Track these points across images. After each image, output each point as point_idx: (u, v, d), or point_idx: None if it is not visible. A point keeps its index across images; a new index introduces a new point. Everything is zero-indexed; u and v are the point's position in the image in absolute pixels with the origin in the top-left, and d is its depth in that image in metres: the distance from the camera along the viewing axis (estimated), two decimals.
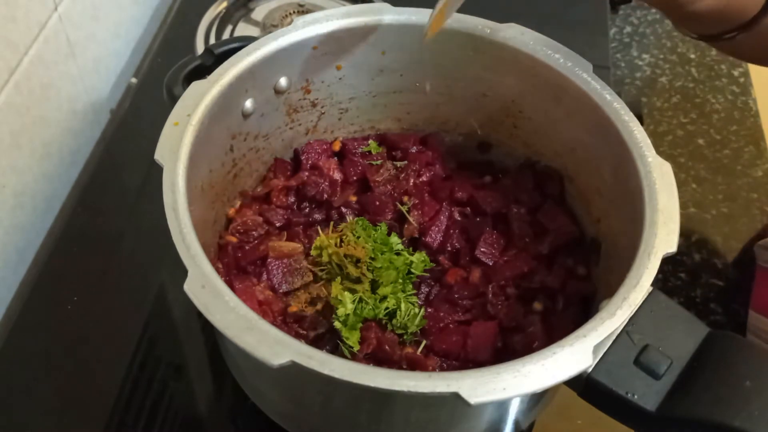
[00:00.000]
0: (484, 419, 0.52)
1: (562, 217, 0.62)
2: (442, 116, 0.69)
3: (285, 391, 0.54)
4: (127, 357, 0.66)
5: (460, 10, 0.60)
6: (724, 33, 0.60)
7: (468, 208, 0.65)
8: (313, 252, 0.59)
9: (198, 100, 0.53)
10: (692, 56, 1.04)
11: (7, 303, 0.73)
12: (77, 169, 0.85)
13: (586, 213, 0.62)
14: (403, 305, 0.56)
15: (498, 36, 0.60)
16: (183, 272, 0.44)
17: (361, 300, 0.55)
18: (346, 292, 0.55)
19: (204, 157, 0.54)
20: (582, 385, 0.45)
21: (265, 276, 0.58)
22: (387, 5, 0.62)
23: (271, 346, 0.41)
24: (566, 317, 0.57)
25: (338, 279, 0.57)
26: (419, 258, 0.59)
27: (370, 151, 0.68)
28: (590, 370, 0.44)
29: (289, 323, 0.56)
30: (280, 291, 0.57)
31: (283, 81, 0.61)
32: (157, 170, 0.49)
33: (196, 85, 0.54)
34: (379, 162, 0.67)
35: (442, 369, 0.55)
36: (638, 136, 0.53)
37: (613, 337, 0.45)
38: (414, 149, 0.68)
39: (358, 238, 0.58)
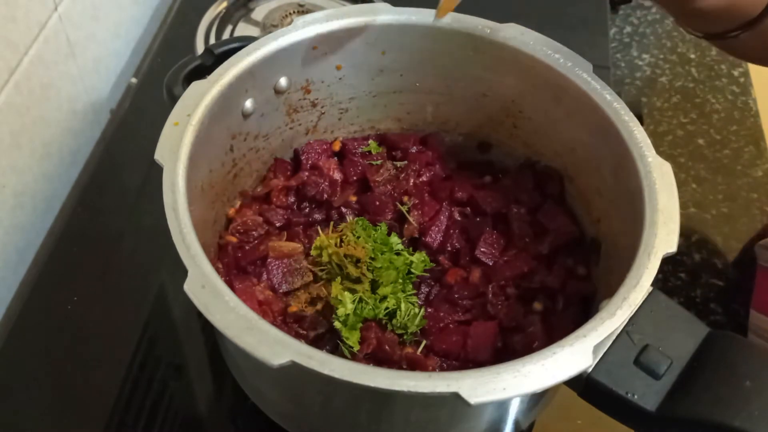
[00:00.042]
0: (484, 419, 0.52)
1: (562, 217, 0.62)
2: (442, 116, 0.69)
3: (285, 391, 0.54)
4: (127, 357, 0.66)
5: (460, 10, 0.60)
6: (728, 31, 0.60)
7: (468, 208, 0.65)
8: (313, 252, 0.59)
9: (198, 100, 0.53)
10: (692, 56, 1.04)
11: (7, 303, 0.73)
12: (77, 169, 0.85)
13: (586, 213, 0.62)
14: (403, 305, 0.56)
15: (498, 36, 0.60)
16: (183, 272, 0.44)
17: (361, 300, 0.55)
18: (346, 292, 0.55)
19: (204, 157, 0.54)
20: (582, 385, 0.45)
21: (265, 276, 0.58)
22: (387, 5, 0.62)
23: (271, 346, 0.41)
24: (566, 317, 0.57)
25: (338, 279, 0.57)
26: (419, 258, 0.59)
27: (370, 151, 0.68)
28: (590, 370, 0.44)
29: (289, 323, 0.56)
30: (280, 291, 0.57)
31: (283, 81, 0.61)
32: (157, 170, 0.49)
33: (196, 85, 0.54)
34: (379, 162, 0.67)
35: (442, 369, 0.55)
36: (638, 136, 0.53)
37: (613, 337, 0.45)
38: (414, 149, 0.68)
39: (358, 238, 0.58)
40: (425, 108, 0.68)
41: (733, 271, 0.80)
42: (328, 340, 0.56)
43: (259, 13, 0.94)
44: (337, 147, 0.68)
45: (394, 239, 0.60)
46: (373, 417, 0.51)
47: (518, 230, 0.62)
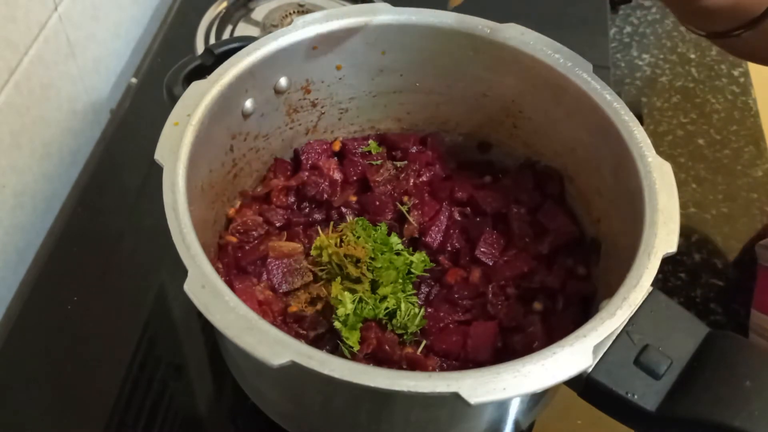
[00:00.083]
0: (484, 419, 0.52)
1: (562, 217, 0.62)
2: (442, 116, 0.69)
3: (285, 391, 0.54)
4: (127, 357, 0.66)
5: (460, 10, 0.60)
6: (731, 30, 0.60)
7: (468, 208, 0.65)
8: (313, 252, 0.59)
9: (198, 100, 0.53)
10: (692, 56, 1.04)
11: (7, 303, 0.73)
12: (77, 169, 0.85)
13: (586, 213, 0.62)
14: (403, 305, 0.56)
15: (498, 36, 0.60)
16: (183, 272, 0.44)
17: (361, 300, 0.55)
18: (346, 292, 0.55)
19: (204, 157, 0.54)
20: (582, 385, 0.45)
21: (265, 276, 0.58)
22: (387, 5, 0.62)
23: (271, 346, 0.41)
24: (566, 317, 0.57)
25: (338, 279, 0.56)
26: (419, 258, 0.59)
27: (370, 151, 0.68)
28: (590, 370, 0.44)
29: (289, 323, 0.56)
30: (280, 291, 0.57)
31: (283, 81, 0.61)
32: (157, 170, 0.49)
33: (196, 85, 0.54)
34: (379, 162, 0.67)
35: (442, 369, 0.55)
36: (638, 136, 0.53)
37: (613, 337, 0.45)
38: (414, 149, 0.68)
39: (358, 238, 0.58)
40: (425, 108, 0.68)
41: (733, 271, 0.80)
42: (328, 340, 0.56)
43: (259, 13, 0.94)
44: (337, 147, 0.68)
45: (394, 239, 0.60)
46: (373, 417, 0.51)
47: (518, 230, 0.62)
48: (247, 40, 0.59)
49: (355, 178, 0.65)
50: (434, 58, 0.63)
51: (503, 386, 0.40)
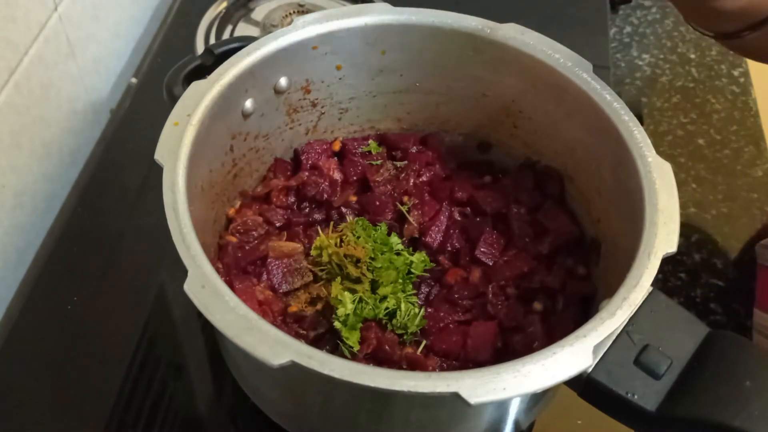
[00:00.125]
0: (484, 419, 0.52)
1: (562, 217, 0.62)
2: (442, 116, 0.69)
3: (285, 391, 0.54)
4: (127, 357, 0.66)
5: (460, 10, 0.60)
6: (739, 31, 0.60)
7: (468, 208, 0.65)
8: (313, 252, 0.59)
9: (198, 100, 0.53)
10: (692, 56, 1.04)
11: (7, 303, 0.73)
12: (77, 169, 0.85)
13: (586, 213, 0.62)
14: (403, 305, 0.56)
15: (498, 36, 0.60)
16: (183, 272, 0.44)
17: (361, 300, 0.55)
18: (346, 292, 0.55)
19: (204, 157, 0.54)
20: (582, 385, 0.45)
21: (265, 276, 0.58)
22: (387, 5, 0.62)
23: (271, 346, 0.41)
24: (566, 317, 0.57)
25: (338, 279, 0.56)
26: (419, 258, 0.59)
27: (370, 151, 0.68)
28: (590, 370, 0.44)
29: (289, 323, 0.56)
30: (280, 291, 0.57)
31: (283, 81, 0.61)
32: (157, 170, 0.49)
33: (196, 85, 0.54)
34: (379, 162, 0.67)
35: (442, 369, 0.55)
36: (638, 136, 0.53)
37: (613, 337, 0.45)
38: (414, 149, 0.68)
39: (358, 238, 0.58)
40: (425, 108, 0.68)
41: (733, 271, 0.80)
42: (328, 340, 0.56)
43: (259, 13, 0.94)
44: (337, 147, 0.68)
45: (394, 239, 0.60)
46: (373, 417, 0.51)
47: (518, 230, 0.62)
48: (247, 40, 0.59)
49: (355, 178, 0.65)
50: (434, 58, 0.63)
51: (503, 386, 0.40)
